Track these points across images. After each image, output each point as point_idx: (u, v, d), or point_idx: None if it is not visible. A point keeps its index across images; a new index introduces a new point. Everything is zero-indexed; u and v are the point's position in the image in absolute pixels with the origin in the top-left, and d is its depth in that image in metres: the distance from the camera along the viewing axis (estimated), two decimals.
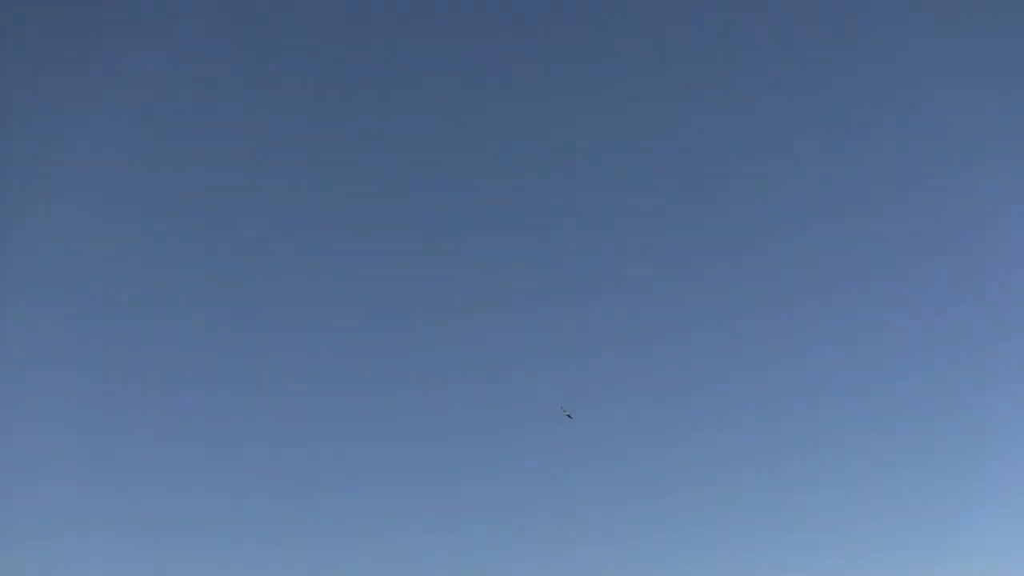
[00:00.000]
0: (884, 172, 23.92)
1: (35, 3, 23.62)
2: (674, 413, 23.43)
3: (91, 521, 21.15)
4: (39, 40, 24.72)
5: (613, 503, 22.37)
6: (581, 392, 23.78)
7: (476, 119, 23.23)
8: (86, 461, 21.78)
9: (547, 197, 20.90)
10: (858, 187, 24.48)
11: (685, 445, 23.05)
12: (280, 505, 22.88)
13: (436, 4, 23.51)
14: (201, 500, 22.49)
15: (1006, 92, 22.16)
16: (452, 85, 23.13)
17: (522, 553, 19.97)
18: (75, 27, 23.77)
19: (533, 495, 21.79)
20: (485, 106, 23.06)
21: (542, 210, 21.30)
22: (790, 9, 23.59)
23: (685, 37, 23.11)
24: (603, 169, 24.05)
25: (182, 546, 21.13)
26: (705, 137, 24.23)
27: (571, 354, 23.91)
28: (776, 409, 24.30)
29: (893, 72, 22.15)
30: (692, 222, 24.18)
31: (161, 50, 24.23)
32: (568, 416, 19.70)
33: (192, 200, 25.02)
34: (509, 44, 22.41)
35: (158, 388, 22.57)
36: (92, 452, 22.20)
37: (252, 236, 25.11)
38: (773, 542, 21.84)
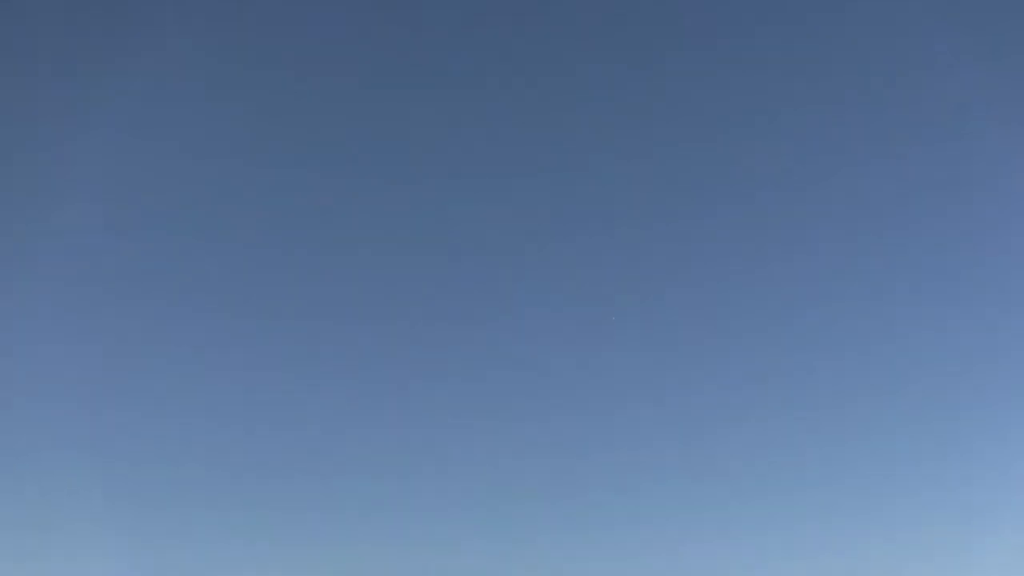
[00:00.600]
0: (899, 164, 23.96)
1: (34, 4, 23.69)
2: (676, 408, 23.31)
3: (92, 520, 21.11)
4: (37, 41, 24.83)
5: (606, 498, 22.09)
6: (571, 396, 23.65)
7: (478, 111, 23.32)
8: (85, 461, 21.64)
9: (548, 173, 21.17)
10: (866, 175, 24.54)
11: (683, 442, 22.94)
12: (278, 506, 22.67)
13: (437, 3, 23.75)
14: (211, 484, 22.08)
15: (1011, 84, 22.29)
16: (454, 79, 23.26)
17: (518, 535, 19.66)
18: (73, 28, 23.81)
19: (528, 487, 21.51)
20: (487, 99, 23.20)
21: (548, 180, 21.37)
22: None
23: (680, 26, 23.20)
24: (608, 162, 24.11)
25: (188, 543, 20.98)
26: (708, 128, 24.44)
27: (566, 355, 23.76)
28: (783, 403, 24.23)
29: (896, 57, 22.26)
30: (691, 218, 24.15)
31: (160, 50, 24.34)
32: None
33: (191, 198, 25.21)
34: (508, 39, 22.49)
35: (158, 386, 22.55)
36: (92, 452, 22.08)
37: (252, 233, 25.19)
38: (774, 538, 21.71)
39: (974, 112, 20.68)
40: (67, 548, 18.76)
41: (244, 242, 24.55)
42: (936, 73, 20.14)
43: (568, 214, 24.28)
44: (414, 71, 20.94)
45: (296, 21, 19.90)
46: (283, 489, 21.34)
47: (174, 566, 19.52)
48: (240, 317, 23.00)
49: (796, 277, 24.60)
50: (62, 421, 20.75)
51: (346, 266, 24.47)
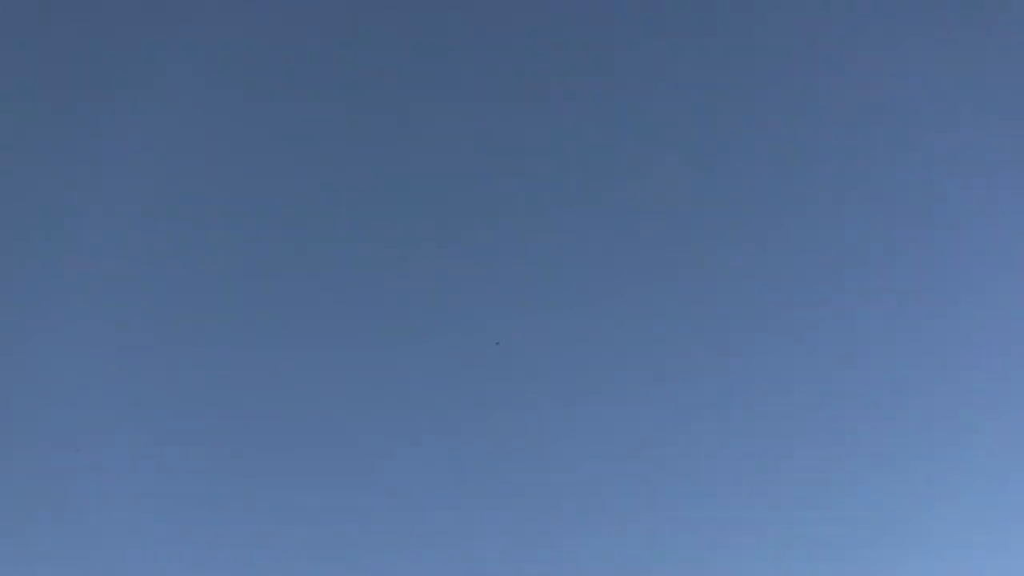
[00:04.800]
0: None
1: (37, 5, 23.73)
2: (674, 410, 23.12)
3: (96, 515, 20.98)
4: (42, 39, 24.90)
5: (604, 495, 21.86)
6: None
7: (482, 116, 23.42)
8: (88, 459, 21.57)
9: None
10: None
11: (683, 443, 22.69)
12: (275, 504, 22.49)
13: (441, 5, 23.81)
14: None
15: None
16: (458, 83, 23.35)
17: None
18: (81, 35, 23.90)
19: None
20: (491, 102, 23.33)
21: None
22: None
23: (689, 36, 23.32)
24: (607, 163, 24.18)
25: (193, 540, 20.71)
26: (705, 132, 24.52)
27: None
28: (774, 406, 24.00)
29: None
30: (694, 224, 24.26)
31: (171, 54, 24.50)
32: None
33: (195, 200, 25.23)
34: (511, 42, 22.60)
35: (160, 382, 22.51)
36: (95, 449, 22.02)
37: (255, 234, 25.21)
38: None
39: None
40: (68, 547, 18.93)
41: (248, 239, 24.83)
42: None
43: (562, 207, 24.67)
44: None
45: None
46: (285, 491, 21.62)
47: (176, 566, 19.73)
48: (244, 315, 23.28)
49: (794, 277, 25.00)
50: (62, 421, 20.99)
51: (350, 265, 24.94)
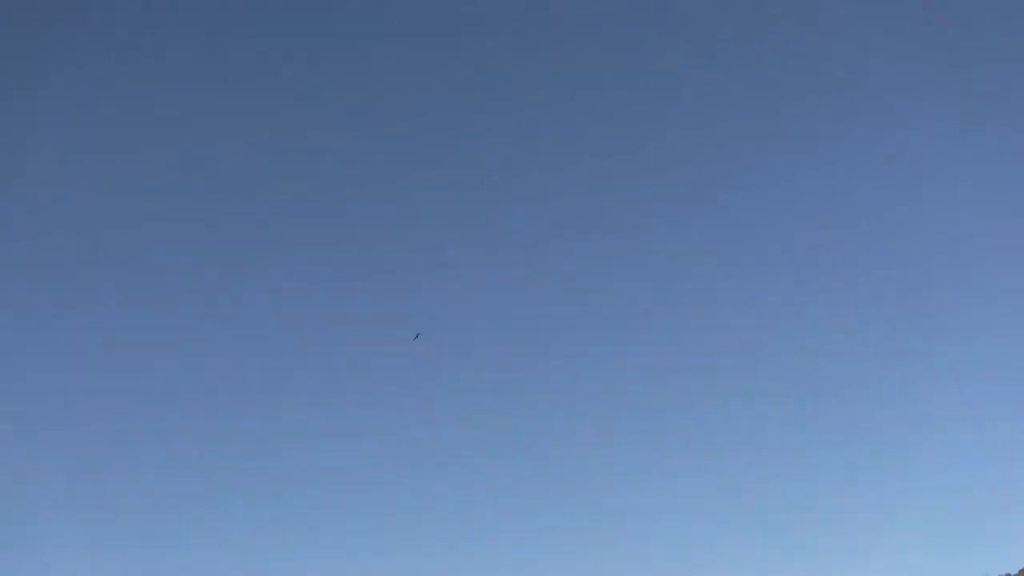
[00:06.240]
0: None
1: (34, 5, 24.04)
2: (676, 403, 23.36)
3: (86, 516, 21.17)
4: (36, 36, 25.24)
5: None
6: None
7: (478, 117, 23.69)
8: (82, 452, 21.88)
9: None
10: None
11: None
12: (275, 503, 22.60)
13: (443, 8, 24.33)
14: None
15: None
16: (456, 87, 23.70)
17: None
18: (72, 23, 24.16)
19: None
20: (488, 102, 23.71)
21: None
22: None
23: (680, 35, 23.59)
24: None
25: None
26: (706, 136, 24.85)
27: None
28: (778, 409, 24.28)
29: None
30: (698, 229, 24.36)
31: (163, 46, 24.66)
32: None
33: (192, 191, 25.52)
34: (510, 45, 23.02)
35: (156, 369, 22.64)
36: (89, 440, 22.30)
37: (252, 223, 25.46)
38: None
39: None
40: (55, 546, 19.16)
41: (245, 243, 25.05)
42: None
43: (573, 214, 25.33)
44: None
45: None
46: (280, 492, 21.98)
47: (174, 568, 20.18)
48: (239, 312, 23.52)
49: (789, 276, 25.53)
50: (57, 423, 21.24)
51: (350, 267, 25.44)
